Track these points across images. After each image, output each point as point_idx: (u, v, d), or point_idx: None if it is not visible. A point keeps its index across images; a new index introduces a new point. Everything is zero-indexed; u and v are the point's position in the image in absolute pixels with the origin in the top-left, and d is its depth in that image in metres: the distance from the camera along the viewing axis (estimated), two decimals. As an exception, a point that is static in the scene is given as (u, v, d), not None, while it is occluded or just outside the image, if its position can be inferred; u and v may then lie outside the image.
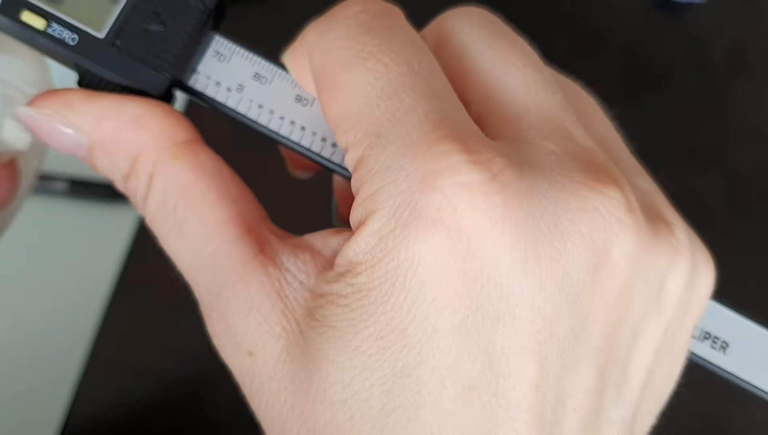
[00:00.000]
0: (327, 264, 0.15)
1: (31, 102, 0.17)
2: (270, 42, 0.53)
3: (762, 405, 0.23)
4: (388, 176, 0.14)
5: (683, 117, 0.42)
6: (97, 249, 0.41)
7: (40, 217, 0.41)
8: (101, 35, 0.16)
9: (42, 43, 0.16)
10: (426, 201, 0.13)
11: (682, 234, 0.16)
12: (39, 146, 0.25)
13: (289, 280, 0.15)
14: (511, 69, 0.17)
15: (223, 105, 0.17)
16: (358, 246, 0.14)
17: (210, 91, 0.17)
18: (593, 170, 0.14)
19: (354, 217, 0.15)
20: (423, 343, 0.13)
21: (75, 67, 0.17)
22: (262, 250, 0.16)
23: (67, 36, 0.16)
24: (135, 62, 0.16)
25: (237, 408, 0.35)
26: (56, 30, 0.16)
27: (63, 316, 0.39)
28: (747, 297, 0.37)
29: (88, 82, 0.17)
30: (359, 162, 0.14)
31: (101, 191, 0.41)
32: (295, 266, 0.15)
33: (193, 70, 0.17)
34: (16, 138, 0.21)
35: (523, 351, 0.13)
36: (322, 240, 0.16)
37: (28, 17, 0.16)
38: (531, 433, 0.14)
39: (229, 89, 0.17)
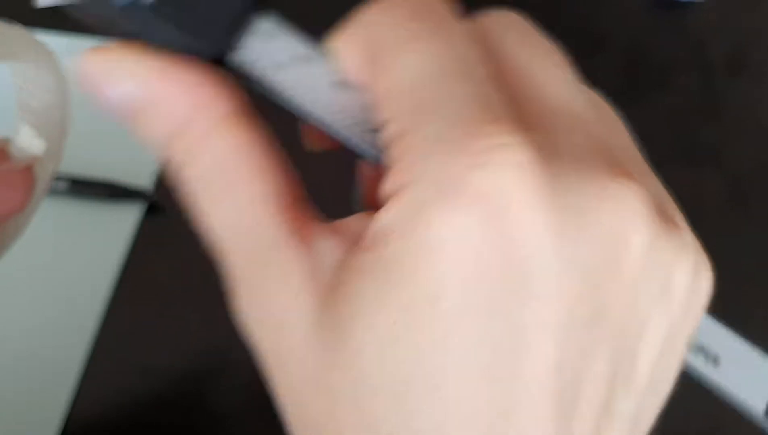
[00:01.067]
0: (359, 241, 0.15)
1: (88, 52, 0.17)
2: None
3: (751, 425, 0.23)
4: (433, 149, 0.14)
5: (684, 116, 0.42)
6: (97, 248, 0.41)
7: (41, 216, 0.41)
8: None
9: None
10: (472, 175, 0.13)
11: (689, 236, 0.16)
12: (54, 151, 0.25)
13: (323, 256, 0.15)
14: (546, 68, 0.17)
15: (264, 81, 0.17)
16: (392, 214, 0.14)
17: (253, 66, 0.17)
18: (615, 166, 0.15)
19: (387, 189, 0.14)
20: (452, 317, 0.13)
21: (123, 34, 0.17)
22: (299, 228, 0.16)
23: None
24: (188, 26, 0.16)
25: (238, 405, 0.35)
26: None
27: (64, 314, 0.39)
28: (745, 296, 0.37)
29: None
30: (401, 134, 0.14)
31: (101, 191, 0.41)
32: (330, 244, 0.15)
33: (238, 46, 0.17)
34: (31, 144, 0.21)
35: (547, 331, 0.14)
36: (357, 220, 0.16)
37: None
38: (549, 412, 0.14)
39: (270, 66, 0.17)
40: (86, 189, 0.41)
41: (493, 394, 0.14)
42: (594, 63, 0.45)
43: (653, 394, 0.16)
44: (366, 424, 0.14)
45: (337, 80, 0.18)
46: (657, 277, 0.15)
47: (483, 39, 0.17)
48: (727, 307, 0.37)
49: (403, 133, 0.14)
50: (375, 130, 0.16)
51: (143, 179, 0.42)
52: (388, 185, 0.14)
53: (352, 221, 0.16)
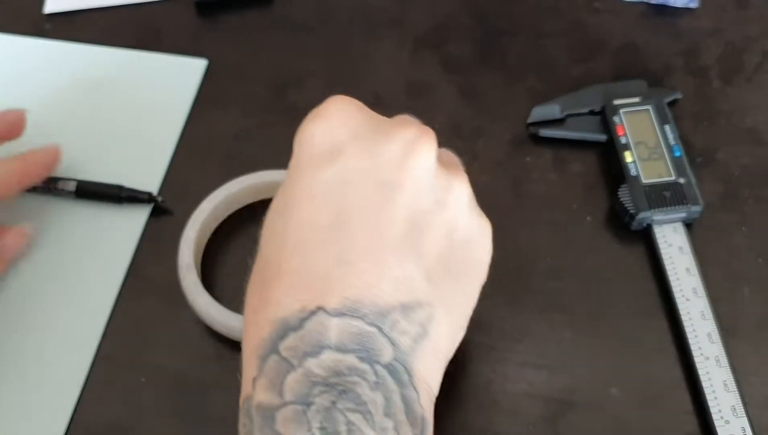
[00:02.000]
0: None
1: None
2: (274, 45, 0.54)
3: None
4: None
5: (678, 120, 0.42)
6: (105, 249, 0.41)
7: (51, 219, 0.42)
8: None
9: None
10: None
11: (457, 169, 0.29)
12: None
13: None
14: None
15: None
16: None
17: None
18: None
19: None
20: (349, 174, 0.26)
21: None
22: None
23: None
24: None
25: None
26: None
27: (72, 314, 0.40)
28: (739, 298, 0.37)
29: None
30: None
31: (109, 194, 0.42)
32: None
33: None
34: None
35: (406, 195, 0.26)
36: None
37: None
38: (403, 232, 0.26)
39: None
40: (94, 192, 0.42)
41: (374, 222, 0.25)
42: (588, 67, 0.46)
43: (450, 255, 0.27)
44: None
45: None
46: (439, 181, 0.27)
47: None
48: (721, 308, 0.38)
49: None
50: None
51: (150, 182, 0.43)
52: None
53: None
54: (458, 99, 0.45)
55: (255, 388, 0.25)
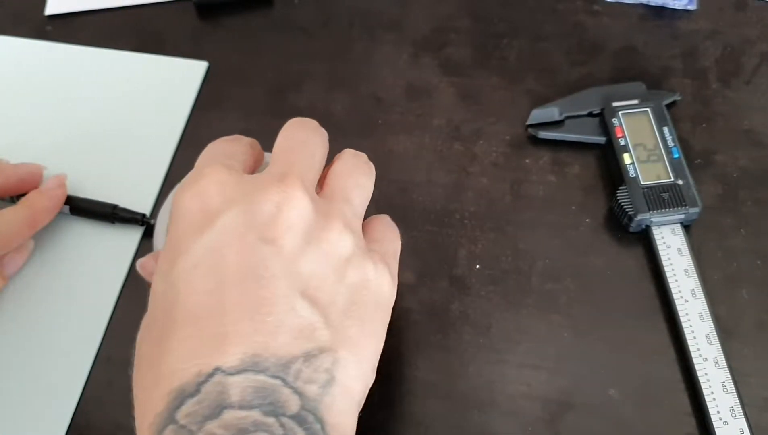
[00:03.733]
0: None
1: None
2: (275, 48, 0.54)
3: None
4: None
5: (677, 122, 0.43)
6: (105, 262, 0.42)
7: (54, 234, 0.42)
8: None
9: None
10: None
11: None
12: None
13: None
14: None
15: None
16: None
17: None
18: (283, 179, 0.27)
19: None
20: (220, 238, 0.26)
21: None
22: None
23: None
24: None
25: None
26: None
27: (72, 323, 0.40)
28: (738, 298, 0.38)
29: None
30: None
31: (106, 214, 0.42)
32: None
33: None
34: None
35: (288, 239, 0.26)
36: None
37: None
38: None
39: None
40: (93, 211, 0.42)
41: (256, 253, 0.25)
42: (587, 69, 0.46)
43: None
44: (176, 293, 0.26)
45: None
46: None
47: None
48: (719, 309, 0.38)
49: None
50: None
51: (151, 183, 0.43)
52: None
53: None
54: (457, 101, 0.45)
55: None
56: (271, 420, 0.23)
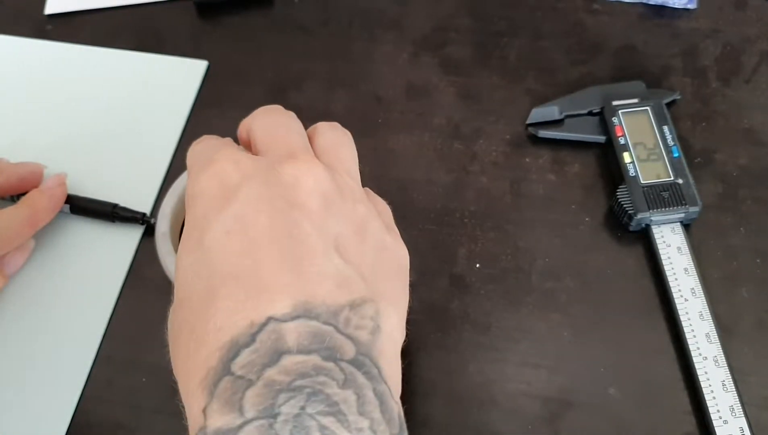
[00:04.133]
0: None
1: None
2: (275, 47, 0.54)
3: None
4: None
5: (676, 121, 0.43)
6: (105, 260, 0.42)
7: (56, 232, 0.42)
8: None
9: None
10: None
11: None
12: None
13: None
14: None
15: None
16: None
17: None
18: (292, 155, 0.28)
19: None
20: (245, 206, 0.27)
21: None
22: None
23: None
24: None
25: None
26: None
27: (73, 320, 0.40)
28: (738, 297, 0.38)
29: None
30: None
31: (106, 213, 0.42)
32: None
33: None
34: None
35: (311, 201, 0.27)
36: None
37: None
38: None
39: None
40: (93, 211, 0.42)
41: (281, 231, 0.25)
42: (587, 68, 0.46)
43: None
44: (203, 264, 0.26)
45: None
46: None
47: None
48: (719, 308, 0.38)
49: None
50: None
51: (151, 182, 0.43)
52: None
53: None
54: (457, 100, 0.45)
55: (207, 416, 0.22)
56: (330, 365, 0.23)
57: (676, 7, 0.47)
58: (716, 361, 0.35)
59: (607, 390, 0.36)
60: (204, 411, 0.22)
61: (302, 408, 0.22)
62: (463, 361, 0.37)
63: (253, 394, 0.22)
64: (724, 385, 0.34)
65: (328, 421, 0.22)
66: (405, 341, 0.27)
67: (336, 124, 0.31)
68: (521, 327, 0.38)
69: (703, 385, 0.34)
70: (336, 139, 0.30)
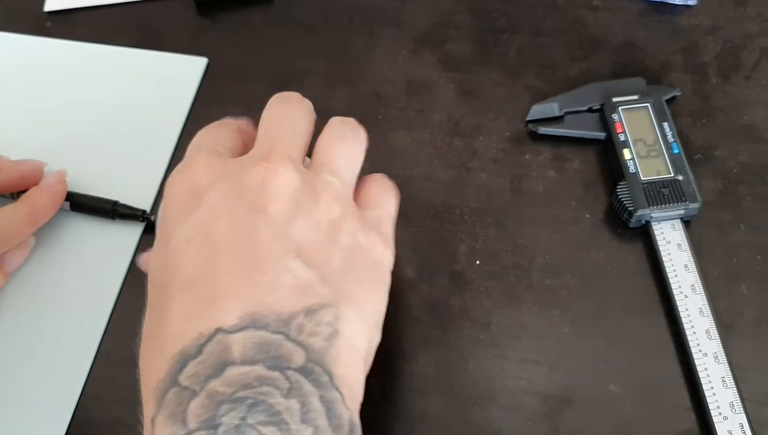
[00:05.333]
0: None
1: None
2: (275, 44, 0.54)
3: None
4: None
5: (677, 117, 0.43)
6: (105, 257, 0.42)
7: (56, 230, 0.42)
8: None
9: None
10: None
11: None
12: None
13: None
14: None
15: None
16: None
17: None
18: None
19: None
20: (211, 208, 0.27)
21: None
22: None
23: None
24: None
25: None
26: None
27: (74, 317, 0.40)
28: (737, 294, 0.38)
29: None
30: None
31: (107, 210, 0.42)
32: None
33: None
34: None
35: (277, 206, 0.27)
36: None
37: None
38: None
39: None
40: (94, 208, 0.42)
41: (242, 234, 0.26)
42: (587, 65, 0.46)
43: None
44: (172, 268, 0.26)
45: None
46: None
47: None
48: (719, 305, 0.38)
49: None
50: None
51: (151, 181, 0.43)
52: None
53: None
54: (457, 97, 0.45)
55: (155, 426, 0.23)
56: (275, 374, 0.23)
57: (677, 3, 0.47)
58: (716, 358, 0.35)
59: (607, 386, 0.36)
60: (152, 421, 0.24)
61: (243, 419, 0.22)
62: (463, 358, 0.37)
63: (196, 405, 0.23)
64: (724, 381, 0.34)
65: (268, 430, 0.22)
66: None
67: (348, 120, 0.31)
68: (521, 324, 0.38)
69: (702, 381, 0.34)
70: (339, 137, 0.30)
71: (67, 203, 0.42)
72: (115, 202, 0.42)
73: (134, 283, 0.41)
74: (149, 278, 0.28)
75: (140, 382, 0.26)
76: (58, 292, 0.40)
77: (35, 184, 0.42)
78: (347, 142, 0.30)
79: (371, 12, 0.49)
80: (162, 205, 0.29)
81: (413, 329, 0.38)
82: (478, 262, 0.40)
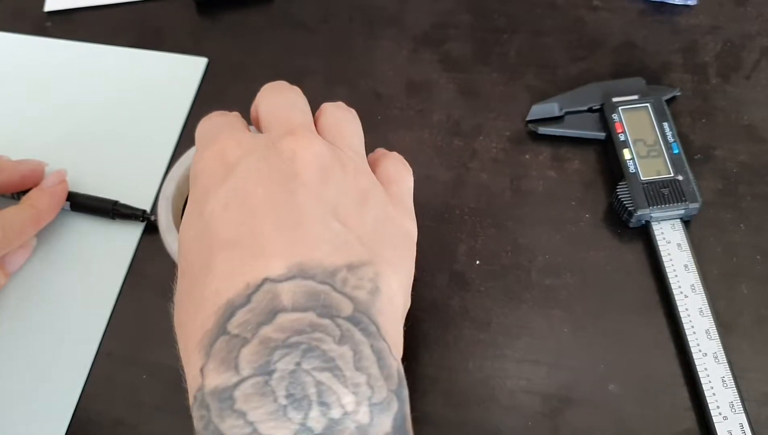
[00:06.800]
0: None
1: None
2: (275, 44, 0.54)
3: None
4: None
5: (676, 117, 0.43)
6: (106, 257, 0.42)
7: (58, 229, 0.42)
8: None
9: None
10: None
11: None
12: None
13: None
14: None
15: None
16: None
17: None
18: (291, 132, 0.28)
19: None
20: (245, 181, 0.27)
21: None
22: None
23: None
24: None
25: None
26: None
27: (74, 317, 0.40)
28: (737, 293, 0.38)
29: None
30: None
31: (107, 209, 0.42)
32: None
33: None
34: None
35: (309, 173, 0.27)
36: None
37: None
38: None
39: None
40: (94, 208, 0.42)
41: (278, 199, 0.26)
42: (587, 65, 0.46)
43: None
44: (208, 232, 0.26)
45: None
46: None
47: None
48: (719, 304, 0.38)
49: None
50: None
51: (151, 181, 0.44)
52: None
53: None
54: (457, 97, 0.45)
55: (205, 376, 0.23)
56: (326, 321, 0.23)
57: (677, 3, 0.47)
58: (716, 358, 0.35)
59: (607, 386, 0.36)
60: (201, 371, 0.23)
61: (298, 364, 0.22)
62: (463, 358, 0.37)
63: (249, 352, 0.22)
64: (723, 381, 0.34)
65: (324, 376, 0.22)
66: (410, 308, 0.28)
67: (341, 104, 0.32)
68: (521, 323, 0.38)
69: (702, 381, 0.34)
70: (340, 116, 0.31)
71: (68, 203, 0.42)
72: (116, 202, 0.42)
73: (134, 283, 0.41)
74: (180, 247, 0.27)
75: (177, 346, 0.26)
76: (59, 291, 0.40)
77: (36, 184, 0.42)
78: (351, 122, 0.31)
79: (371, 12, 0.49)
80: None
81: (413, 329, 0.38)
82: (478, 262, 0.40)
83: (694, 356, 0.35)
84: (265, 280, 0.23)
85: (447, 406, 0.36)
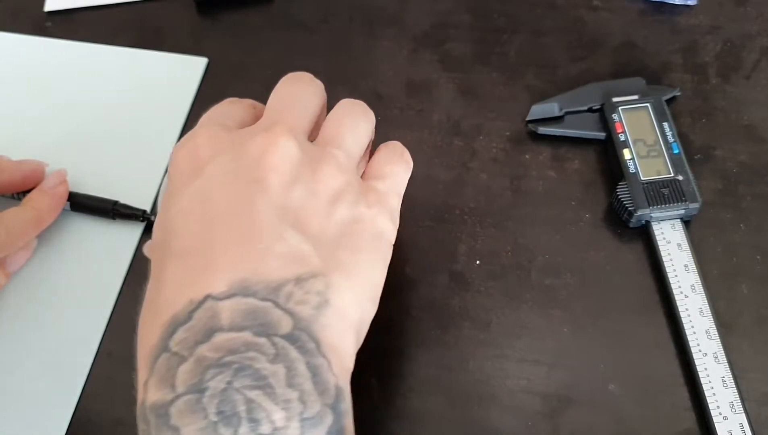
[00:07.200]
0: None
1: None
2: (275, 44, 0.54)
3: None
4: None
5: (677, 117, 0.43)
6: (106, 258, 0.42)
7: (58, 230, 0.42)
8: None
9: None
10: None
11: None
12: None
13: None
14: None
15: None
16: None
17: None
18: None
19: None
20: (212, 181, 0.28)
21: None
22: None
23: None
24: None
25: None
26: None
27: (74, 317, 0.40)
28: (737, 293, 0.38)
29: None
30: None
31: (107, 210, 0.42)
32: None
33: None
34: None
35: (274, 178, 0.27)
36: None
37: None
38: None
39: None
40: (94, 208, 0.42)
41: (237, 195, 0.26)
42: (587, 65, 0.46)
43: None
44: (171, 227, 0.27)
45: None
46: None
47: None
48: (719, 304, 0.38)
49: None
50: None
51: (151, 180, 0.44)
52: None
53: None
54: (457, 97, 0.45)
55: (147, 390, 0.24)
56: (262, 340, 0.24)
57: (677, 3, 0.47)
58: (716, 358, 0.35)
59: (607, 386, 0.36)
60: (145, 385, 0.25)
61: (229, 383, 0.23)
62: (463, 358, 0.37)
63: (185, 370, 0.23)
64: (723, 381, 0.34)
65: (254, 394, 0.23)
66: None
67: (358, 102, 0.32)
68: (521, 323, 0.38)
69: (702, 381, 0.34)
70: (346, 114, 0.31)
71: (68, 203, 0.42)
72: (116, 202, 0.42)
73: (134, 283, 0.41)
74: (151, 248, 0.28)
75: (136, 347, 0.27)
76: (59, 291, 0.40)
77: (37, 184, 0.42)
78: (356, 119, 0.31)
79: (371, 12, 0.49)
80: (166, 177, 0.29)
81: (413, 329, 0.38)
82: (478, 262, 0.40)
83: (694, 356, 0.35)
84: (207, 296, 0.24)
85: (447, 406, 0.36)
